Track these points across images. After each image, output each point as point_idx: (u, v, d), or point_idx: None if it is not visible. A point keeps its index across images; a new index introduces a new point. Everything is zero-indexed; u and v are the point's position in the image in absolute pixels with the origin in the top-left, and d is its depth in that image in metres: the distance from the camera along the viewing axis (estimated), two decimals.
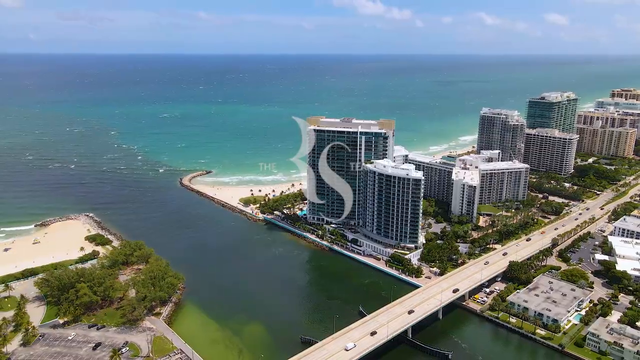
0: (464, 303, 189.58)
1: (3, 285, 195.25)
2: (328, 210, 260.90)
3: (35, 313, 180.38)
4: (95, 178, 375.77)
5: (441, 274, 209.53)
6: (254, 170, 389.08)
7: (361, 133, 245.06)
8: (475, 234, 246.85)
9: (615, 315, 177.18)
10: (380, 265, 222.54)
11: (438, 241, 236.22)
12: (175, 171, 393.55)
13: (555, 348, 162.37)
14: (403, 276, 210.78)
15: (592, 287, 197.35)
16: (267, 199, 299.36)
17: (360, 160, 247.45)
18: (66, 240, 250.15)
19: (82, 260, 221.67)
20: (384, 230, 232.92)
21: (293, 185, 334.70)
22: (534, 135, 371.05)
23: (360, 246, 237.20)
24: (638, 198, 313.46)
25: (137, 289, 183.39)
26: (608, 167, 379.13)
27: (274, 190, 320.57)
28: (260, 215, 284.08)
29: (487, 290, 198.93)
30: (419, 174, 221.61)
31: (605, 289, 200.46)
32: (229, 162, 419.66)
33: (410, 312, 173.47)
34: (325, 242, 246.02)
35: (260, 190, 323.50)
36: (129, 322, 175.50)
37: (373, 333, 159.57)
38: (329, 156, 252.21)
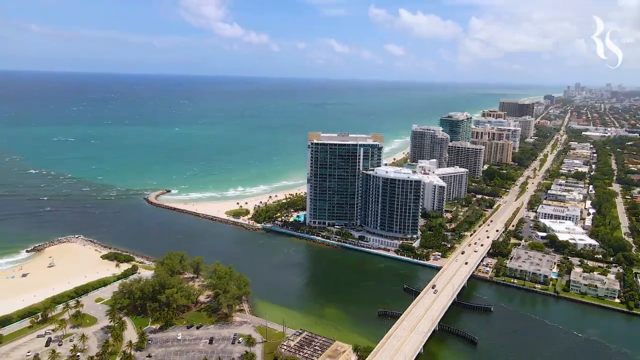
0: (474, 273, 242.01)
1: (73, 301, 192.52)
2: (329, 213, 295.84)
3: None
4: (38, 206, 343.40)
5: (443, 256, 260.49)
6: (214, 187, 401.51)
7: (360, 145, 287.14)
8: (449, 225, 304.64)
9: (576, 270, 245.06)
10: (392, 254, 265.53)
11: (428, 232, 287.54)
12: (128, 193, 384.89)
13: (552, 294, 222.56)
14: (416, 260, 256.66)
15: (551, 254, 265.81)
16: (259, 209, 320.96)
17: (359, 168, 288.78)
18: (82, 261, 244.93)
19: (125, 275, 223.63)
20: (388, 225, 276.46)
21: (270, 197, 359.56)
22: (452, 146, 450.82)
23: (367, 242, 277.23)
24: (536, 192, 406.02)
25: (220, 288, 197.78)
26: (503, 171, 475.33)
27: (261, 202, 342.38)
28: (259, 225, 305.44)
29: (484, 263, 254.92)
30: (417, 176, 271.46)
31: (557, 254, 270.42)
32: (180, 181, 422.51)
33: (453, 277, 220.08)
34: (334, 241, 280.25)
35: (246, 203, 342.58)
36: (221, 319, 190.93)
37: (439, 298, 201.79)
38: (331, 165, 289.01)
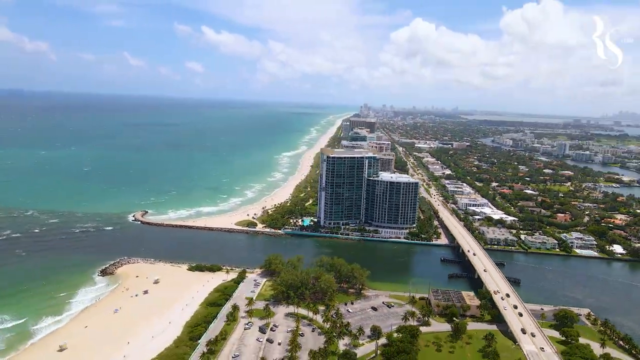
0: None
1: (245, 300, 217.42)
2: (343, 214, 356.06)
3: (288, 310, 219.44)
4: (21, 246, 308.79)
5: (438, 238, 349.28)
6: (184, 206, 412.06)
7: (365, 157, 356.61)
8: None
9: (523, 235, 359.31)
10: (402, 240, 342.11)
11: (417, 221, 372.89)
12: (105, 218, 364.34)
13: (522, 251, 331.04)
14: (424, 242, 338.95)
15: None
16: (271, 217, 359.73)
17: (364, 176, 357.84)
18: (176, 277, 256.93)
19: (242, 278, 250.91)
20: (394, 219, 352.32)
21: (263, 208, 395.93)
22: None
23: (380, 233, 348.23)
24: (439, 190, 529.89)
25: (346, 274, 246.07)
26: None
27: (267, 212, 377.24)
28: (280, 231, 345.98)
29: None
30: (416, 180, 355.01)
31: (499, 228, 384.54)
32: (146, 203, 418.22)
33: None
34: (355, 236, 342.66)
35: (255, 214, 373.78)
36: (360, 296, 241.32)
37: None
38: (344, 175, 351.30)
